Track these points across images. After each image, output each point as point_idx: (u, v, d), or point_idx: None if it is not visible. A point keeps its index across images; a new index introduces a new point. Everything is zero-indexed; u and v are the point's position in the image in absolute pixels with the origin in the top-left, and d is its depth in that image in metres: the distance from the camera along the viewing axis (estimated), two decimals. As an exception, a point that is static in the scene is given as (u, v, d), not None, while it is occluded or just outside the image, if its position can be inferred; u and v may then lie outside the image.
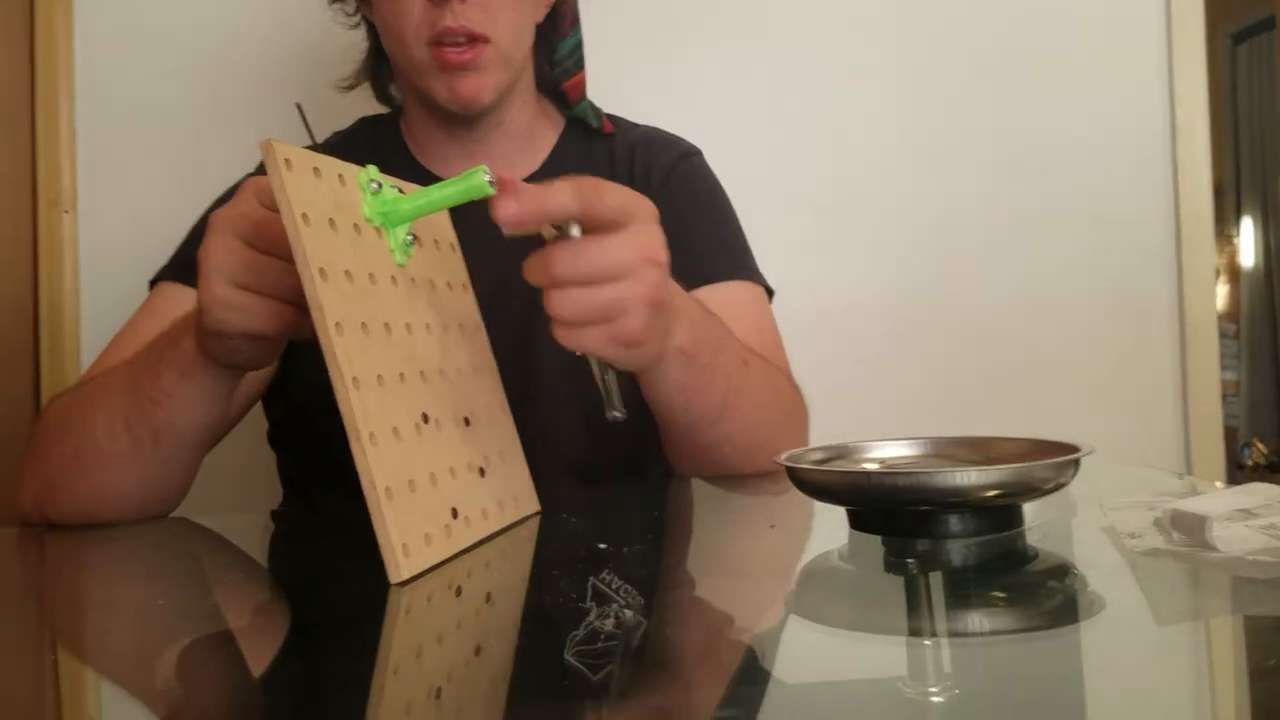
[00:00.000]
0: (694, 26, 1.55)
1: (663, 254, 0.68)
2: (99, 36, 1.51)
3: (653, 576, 0.60)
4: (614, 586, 0.54)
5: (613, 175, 1.06)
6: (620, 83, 1.32)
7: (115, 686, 0.46)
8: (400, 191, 0.70)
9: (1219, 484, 0.78)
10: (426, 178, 0.93)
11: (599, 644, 0.44)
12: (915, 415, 1.53)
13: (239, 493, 1.33)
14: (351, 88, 1.15)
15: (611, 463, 1.00)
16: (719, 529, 0.81)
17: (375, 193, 0.68)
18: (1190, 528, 0.54)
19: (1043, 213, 1.58)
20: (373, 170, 0.68)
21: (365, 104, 1.17)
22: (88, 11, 1.50)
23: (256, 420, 1.08)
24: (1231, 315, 4.71)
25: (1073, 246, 1.58)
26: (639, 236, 0.66)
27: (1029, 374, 1.57)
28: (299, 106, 0.76)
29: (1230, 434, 4.39)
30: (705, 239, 1.05)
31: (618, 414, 0.68)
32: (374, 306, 0.64)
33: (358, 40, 1.14)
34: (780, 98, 1.56)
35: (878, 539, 0.61)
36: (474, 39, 0.96)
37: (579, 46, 1.12)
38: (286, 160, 0.60)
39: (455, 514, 0.65)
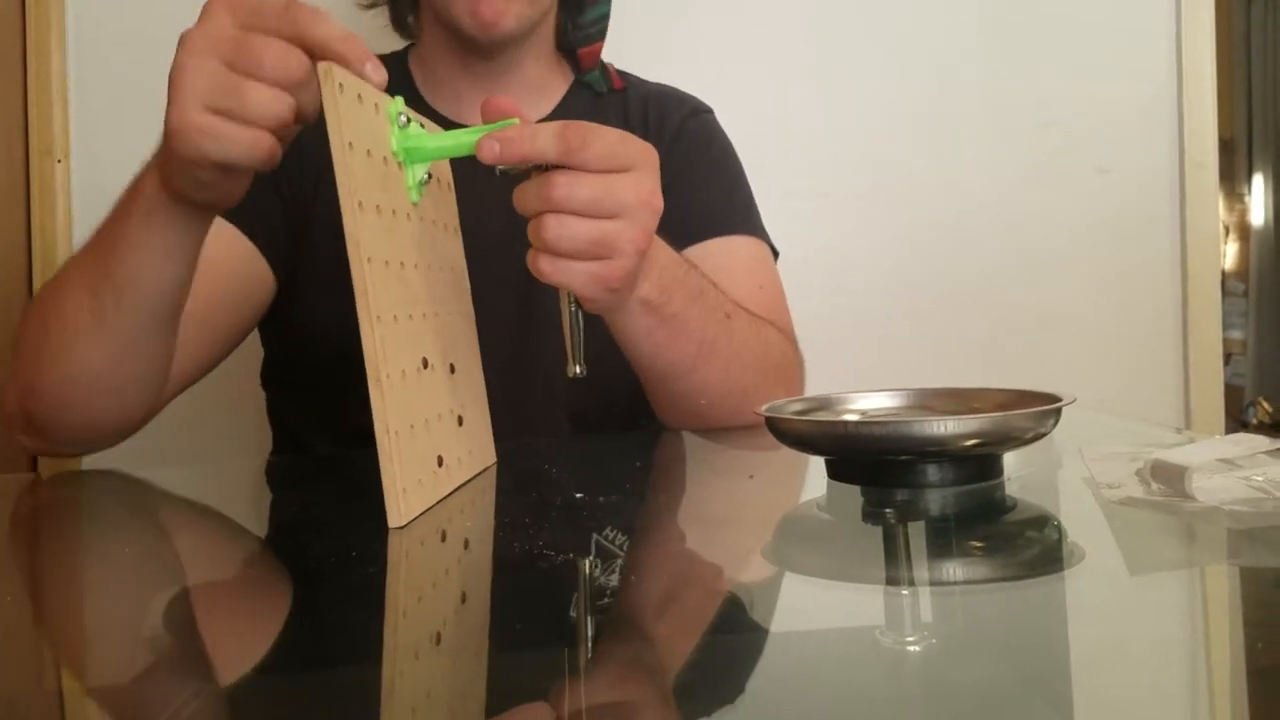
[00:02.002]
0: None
1: (659, 202, 0.68)
2: (90, -18, 1.49)
3: (630, 526, 0.60)
4: (616, 543, 0.53)
5: (624, 129, 1.04)
6: (621, 45, 1.30)
7: (123, 633, 0.46)
8: (423, 128, 0.68)
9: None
10: (433, 117, 0.91)
11: (603, 600, 0.45)
12: (916, 372, 1.51)
13: (229, 441, 1.34)
14: (372, 5, 1.12)
15: (609, 413, 1.00)
16: (700, 479, 0.80)
17: (403, 127, 0.65)
18: (1170, 478, 0.54)
19: (1046, 166, 1.56)
20: (400, 102, 0.66)
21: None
22: (78, -43, 1.48)
23: (249, 372, 1.08)
24: (1240, 274, 4.69)
25: (1076, 200, 1.56)
26: (643, 181, 0.66)
27: (1031, 330, 1.56)
28: None
29: (1236, 393, 4.38)
30: (712, 194, 1.05)
31: (579, 370, 0.67)
32: (395, 244, 0.63)
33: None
34: (784, 55, 1.54)
35: (856, 489, 0.61)
36: None
37: (605, 18, 1.10)
38: (340, 85, 0.58)
39: (440, 461, 0.64)
